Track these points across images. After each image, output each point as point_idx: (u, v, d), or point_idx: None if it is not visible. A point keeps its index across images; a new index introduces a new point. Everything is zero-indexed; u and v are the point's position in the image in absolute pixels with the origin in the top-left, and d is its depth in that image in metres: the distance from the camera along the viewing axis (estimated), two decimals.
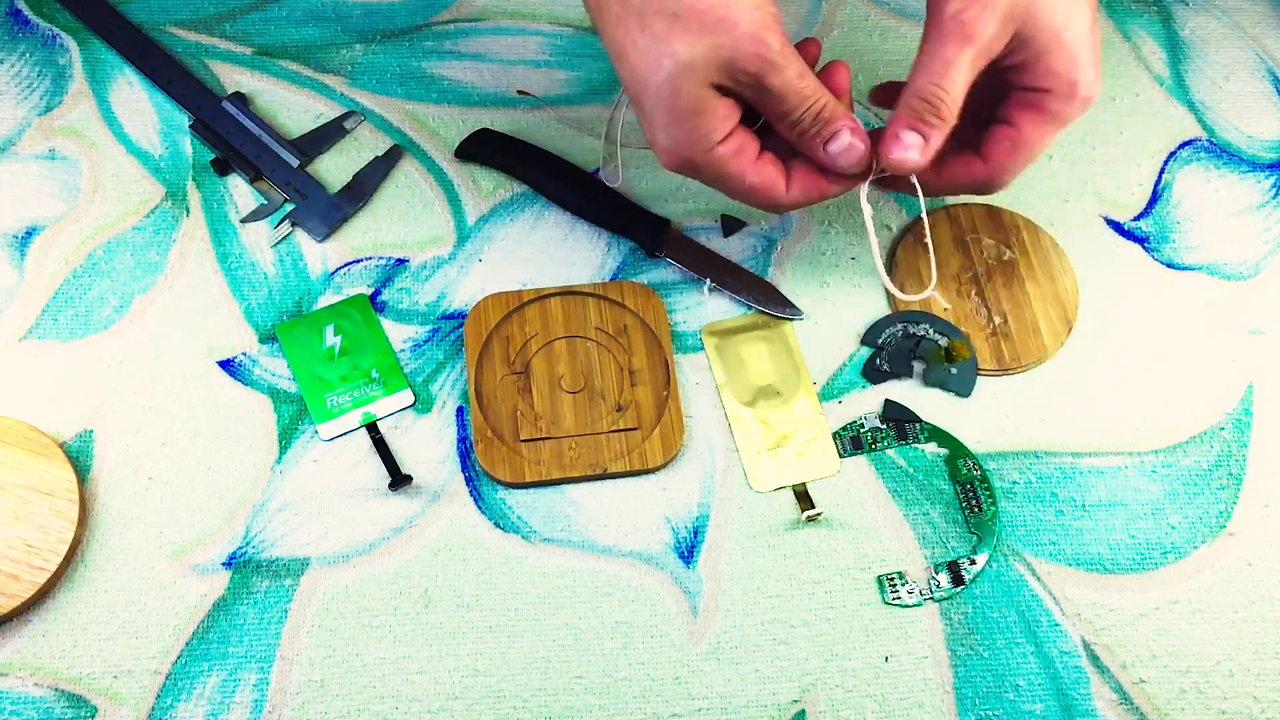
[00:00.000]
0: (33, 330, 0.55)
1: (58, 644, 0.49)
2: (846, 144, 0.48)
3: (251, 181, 0.59)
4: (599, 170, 0.61)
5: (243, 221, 0.58)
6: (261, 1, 0.66)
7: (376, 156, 0.60)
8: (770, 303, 0.57)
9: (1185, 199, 0.61)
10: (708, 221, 0.60)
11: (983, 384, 0.56)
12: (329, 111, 0.62)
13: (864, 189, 0.50)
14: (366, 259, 0.58)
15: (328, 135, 0.61)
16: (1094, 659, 0.50)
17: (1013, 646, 0.50)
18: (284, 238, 0.57)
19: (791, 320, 0.57)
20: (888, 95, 0.53)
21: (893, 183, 0.50)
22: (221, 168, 0.59)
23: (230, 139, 0.60)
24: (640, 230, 0.58)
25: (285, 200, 0.59)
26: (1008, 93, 0.49)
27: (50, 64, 0.63)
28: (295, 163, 0.59)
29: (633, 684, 0.49)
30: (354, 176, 0.59)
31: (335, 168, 0.60)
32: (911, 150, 0.47)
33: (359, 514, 0.52)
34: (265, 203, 0.59)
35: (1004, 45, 0.46)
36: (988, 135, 0.49)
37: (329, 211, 0.58)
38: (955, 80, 0.46)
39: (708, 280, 0.57)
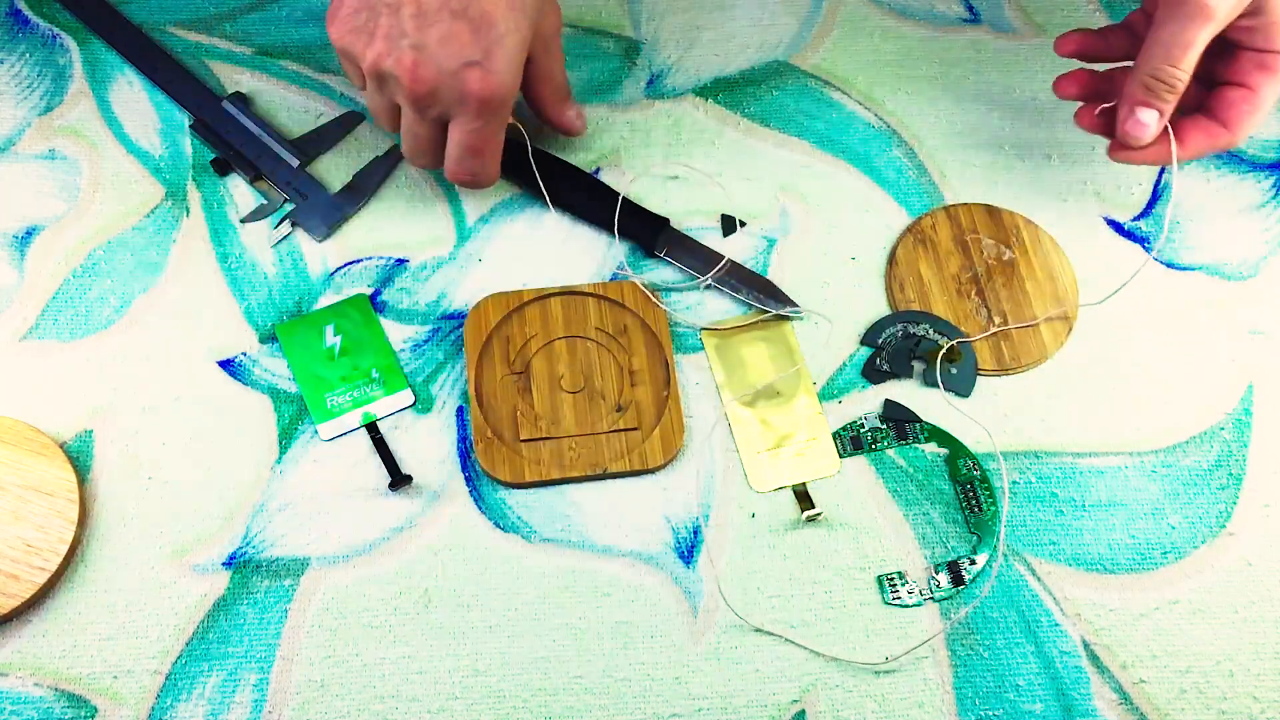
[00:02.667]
0: (33, 330, 0.55)
1: (58, 644, 0.49)
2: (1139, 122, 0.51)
3: (251, 181, 0.59)
4: (597, 172, 0.61)
5: (243, 221, 0.58)
6: (261, 1, 0.66)
7: (376, 156, 0.60)
8: (769, 300, 0.57)
9: (1185, 199, 0.61)
10: (708, 221, 0.60)
11: (983, 384, 0.56)
12: (329, 111, 0.62)
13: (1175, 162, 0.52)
14: (366, 259, 0.58)
15: (328, 135, 0.61)
16: (1094, 659, 0.50)
17: (1013, 646, 0.50)
18: (284, 238, 0.57)
19: (791, 318, 0.57)
20: (1084, 45, 0.56)
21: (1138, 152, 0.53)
22: (221, 168, 0.59)
23: (230, 139, 0.60)
24: (641, 230, 0.58)
25: (285, 200, 0.59)
26: (1234, 53, 0.50)
27: (50, 64, 0.63)
28: (295, 163, 0.59)
29: (633, 684, 0.49)
30: (354, 176, 0.59)
31: (335, 167, 0.60)
32: (1150, 127, 0.51)
33: (359, 514, 0.52)
34: (265, 202, 0.59)
35: (1241, 14, 0.48)
36: (1220, 97, 0.51)
37: (329, 211, 0.58)
38: (1192, 58, 0.48)
39: (708, 276, 0.57)
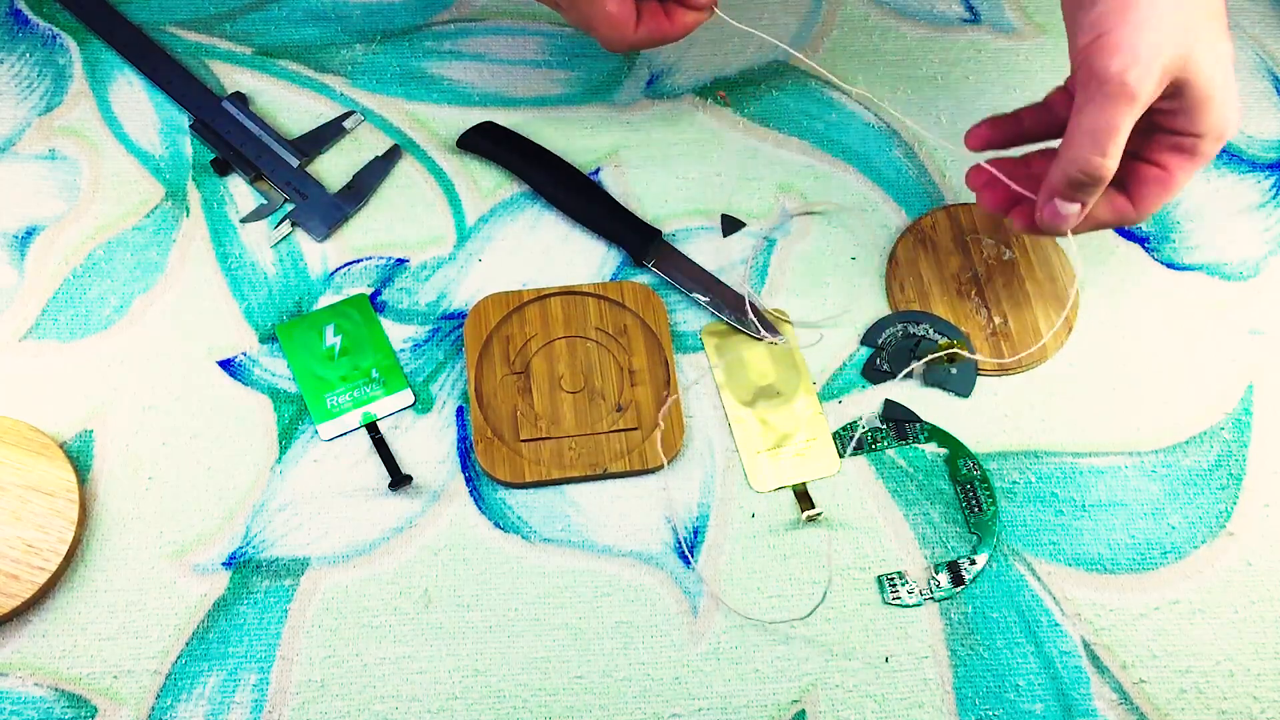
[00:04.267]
0: (33, 330, 0.55)
1: (58, 644, 0.49)
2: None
3: (252, 181, 0.59)
4: (597, 172, 0.61)
5: (243, 221, 0.58)
6: (261, 1, 0.66)
7: (376, 156, 0.60)
8: (750, 325, 0.56)
9: (1185, 199, 0.61)
10: (708, 221, 0.60)
11: (983, 384, 0.56)
12: (329, 111, 0.62)
13: (1071, 239, 0.51)
14: (366, 259, 0.58)
15: (327, 135, 0.61)
16: (1094, 659, 0.50)
17: (1013, 646, 0.50)
18: (284, 237, 0.57)
19: (774, 343, 0.56)
20: (994, 135, 0.53)
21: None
22: (221, 168, 0.59)
23: (230, 139, 0.60)
24: (630, 239, 0.58)
25: (285, 200, 0.59)
26: (1153, 134, 0.48)
27: (50, 64, 0.63)
28: (295, 162, 0.59)
29: (633, 684, 0.49)
30: (354, 176, 0.59)
31: (335, 168, 0.60)
32: (1071, 219, 0.48)
33: (359, 514, 0.52)
34: (265, 202, 0.59)
35: (1160, 96, 0.45)
36: (1134, 174, 0.49)
37: (329, 211, 0.58)
38: (1118, 145, 0.45)
39: (695, 295, 0.57)
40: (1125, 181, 0.49)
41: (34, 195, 0.59)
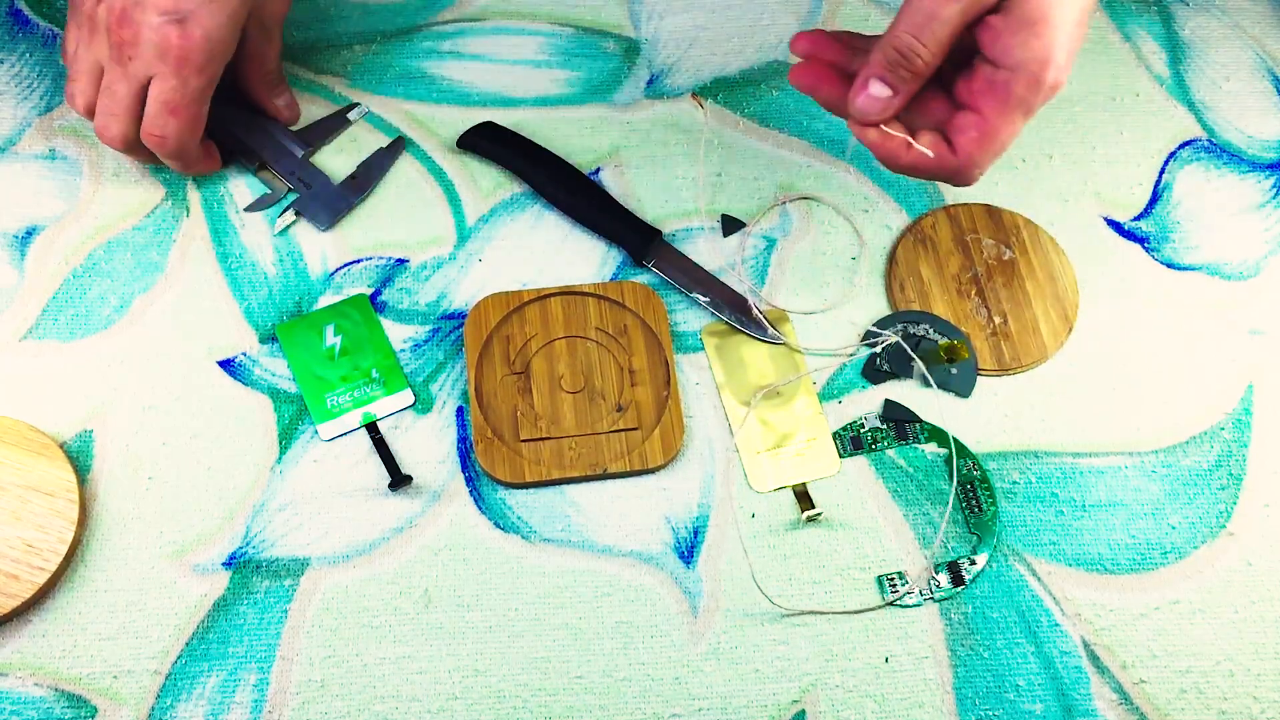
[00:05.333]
0: (33, 330, 0.55)
1: (58, 644, 0.49)
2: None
3: (256, 171, 0.59)
4: (598, 172, 0.61)
5: (246, 210, 0.58)
6: None
7: (381, 148, 0.60)
8: (750, 324, 0.56)
9: (1185, 199, 0.61)
10: (708, 221, 0.60)
11: (983, 384, 0.56)
12: (328, 112, 0.62)
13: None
14: (366, 259, 0.58)
15: (331, 126, 0.61)
16: (1094, 659, 0.50)
17: (1013, 646, 0.50)
18: (288, 226, 0.58)
19: (773, 343, 0.56)
20: (813, 44, 0.50)
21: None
22: (225, 157, 0.59)
23: (234, 129, 0.60)
24: (629, 239, 0.58)
25: (289, 190, 0.59)
26: (975, 66, 0.46)
27: (50, 64, 0.63)
28: (299, 152, 0.60)
29: (633, 684, 0.49)
30: (358, 167, 0.60)
31: (339, 159, 0.60)
32: (880, 103, 0.46)
33: (359, 514, 0.52)
34: (269, 192, 0.59)
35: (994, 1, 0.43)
36: (954, 123, 0.47)
37: (333, 201, 0.58)
38: (937, 34, 0.44)
39: (695, 295, 0.57)
40: (945, 128, 0.47)
41: (34, 195, 0.59)
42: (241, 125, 0.60)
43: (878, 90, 0.46)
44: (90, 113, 0.56)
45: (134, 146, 0.56)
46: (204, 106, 0.55)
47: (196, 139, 0.56)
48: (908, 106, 0.47)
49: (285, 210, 0.58)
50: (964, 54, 0.46)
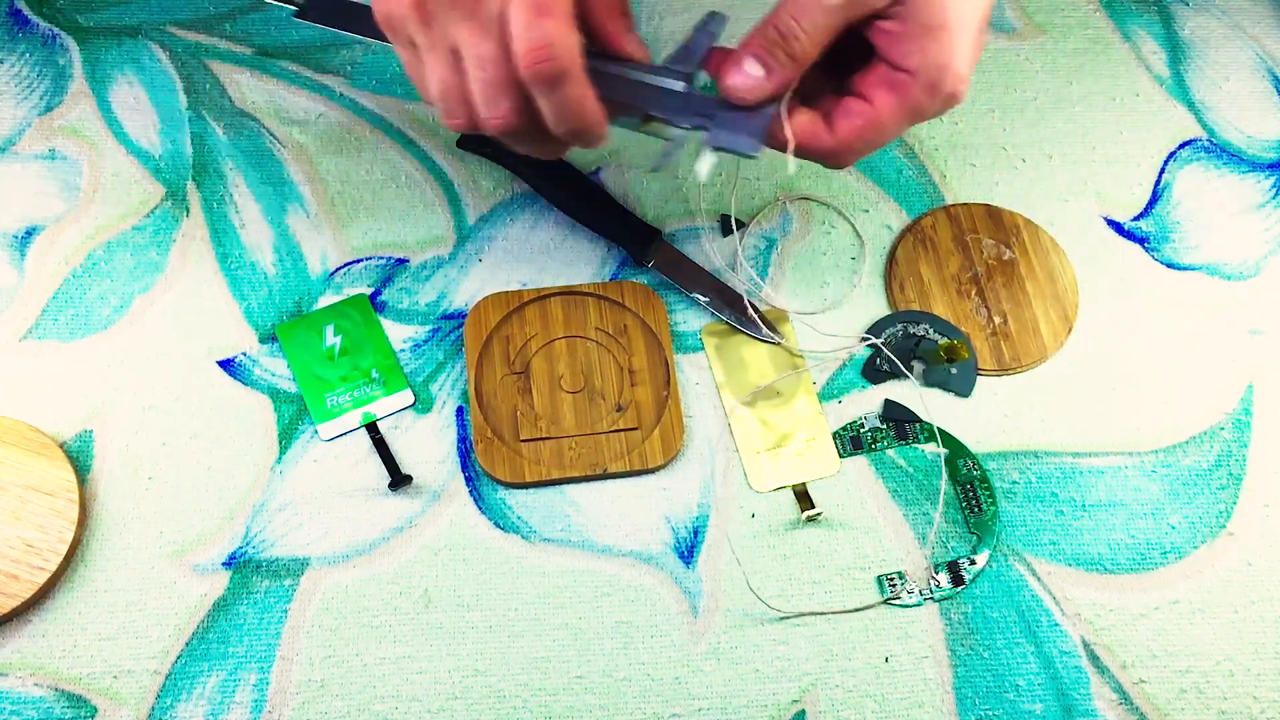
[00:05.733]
0: (33, 330, 0.55)
1: (58, 644, 0.49)
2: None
3: (640, 126, 0.49)
4: (598, 172, 0.61)
5: (652, 171, 0.51)
6: (261, 1, 0.66)
7: (696, 27, 0.49)
8: (750, 324, 0.56)
9: (1185, 199, 0.61)
10: (708, 221, 0.60)
11: (983, 384, 0.56)
12: (329, 112, 0.62)
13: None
14: (366, 259, 0.58)
15: (697, 46, 0.48)
16: (1094, 659, 0.50)
17: (1013, 646, 0.50)
18: (712, 169, 0.48)
19: (772, 343, 0.56)
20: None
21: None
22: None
23: (615, 95, 0.47)
24: (630, 240, 0.58)
25: (688, 130, 0.48)
26: (870, 61, 0.44)
27: (50, 64, 0.63)
28: (681, 86, 0.47)
29: (633, 684, 0.49)
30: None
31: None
32: (751, 78, 0.44)
33: (359, 514, 0.52)
34: (668, 142, 0.48)
35: (883, 3, 0.42)
36: (839, 105, 0.45)
37: (743, 121, 0.46)
38: (818, 22, 0.42)
39: (697, 295, 0.57)
40: (832, 111, 0.46)
41: (34, 195, 0.59)
42: (605, 80, 0.46)
43: (751, 68, 0.44)
44: (452, 110, 0.45)
45: (520, 111, 0.44)
46: (572, 7, 0.42)
47: (578, 55, 0.42)
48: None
49: (703, 155, 0.47)
50: (862, 52, 0.45)
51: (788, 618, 0.50)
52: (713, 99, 0.47)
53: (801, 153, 0.46)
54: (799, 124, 0.46)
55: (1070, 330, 0.57)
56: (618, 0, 0.46)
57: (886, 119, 0.44)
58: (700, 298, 0.57)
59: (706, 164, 0.47)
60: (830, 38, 0.43)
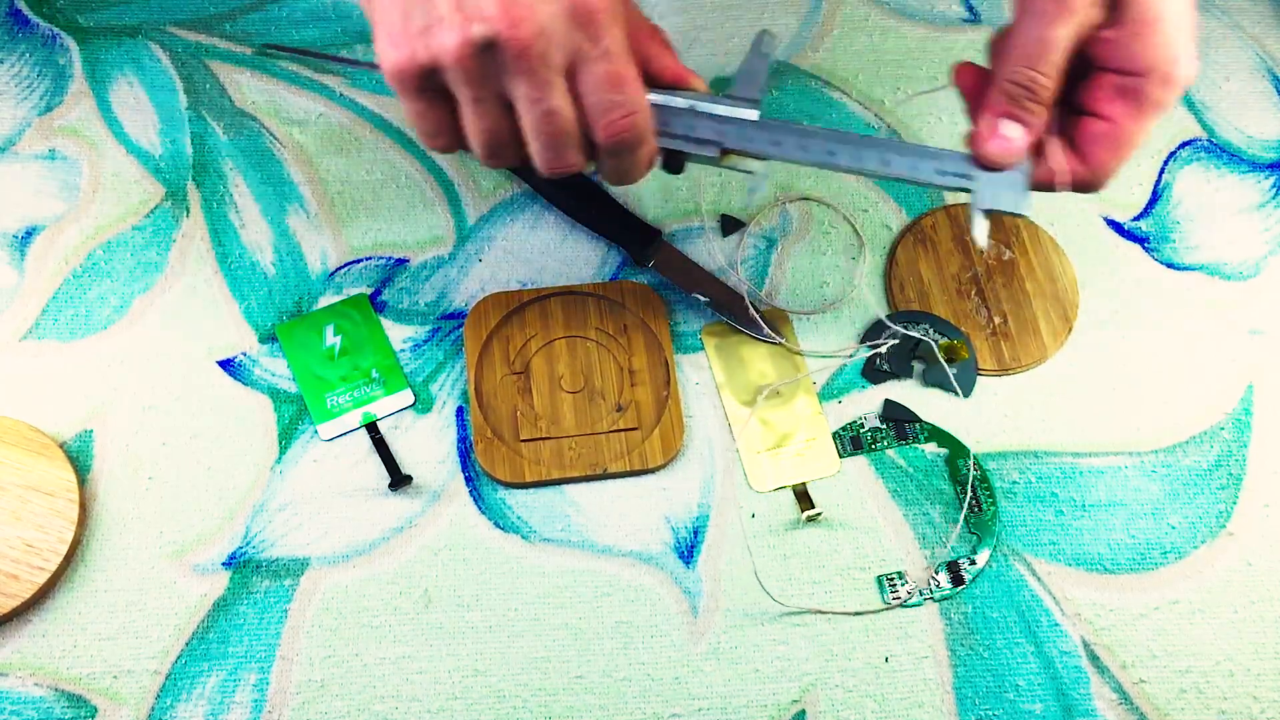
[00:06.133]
0: (33, 330, 0.55)
1: (58, 644, 0.49)
2: None
3: (719, 160, 0.46)
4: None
5: (746, 209, 0.50)
6: (261, 1, 0.66)
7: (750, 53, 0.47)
8: (750, 324, 0.56)
9: (1185, 199, 0.61)
10: (708, 221, 0.60)
11: (983, 384, 0.56)
12: (329, 112, 0.62)
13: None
14: (366, 259, 0.58)
15: (754, 70, 0.46)
16: (1094, 659, 0.50)
17: (1013, 646, 0.50)
18: (986, 230, 0.45)
19: (772, 343, 0.56)
20: (974, 78, 0.47)
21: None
22: (675, 166, 0.47)
23: (697, 133, 0.46)
24: (631, 240, 0.58)
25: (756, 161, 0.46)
26: (1093, 74, 0.44)
27: (50, 64, 0.63)
28: (753, 114, 0.46)
29: (633, 684, 0.49)
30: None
31: None
32: (1014, 141, 0.44)
33: (359, 514, 0.52)
34: (751, 174, 0.47)
35: (1102, 15, 0.42)
36: (1080, 130, 0.44)
37: (1006, 178, 0.45)
38: (1053, 61, 0.42)
39: (697, 295, 0.57)
40: (1073, 138, 0.45)
41: (34, 195, 0.59)
42: (675, 116, 0.45)
43: (1010, 131, 0.44)
44: (500, 153, 0.43)
45: (585, 161, 0.44)
46: (633, 60, 0.42)
47: (650, 119, 0.43)
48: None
49: (976, 221, 0.45)
50: (1075, 66, 0.44)
51: (789, 613, 0.50)
52: (951, 153, 0.46)
53: (1060, 184, 0.46)
54: (1055, 163, 0.45)
55: (1070, 330, 0.57)
56: (653, 29, 0.45)
57: (1131, 130, 0.43)
58: (700, 298, 0.57)
59: (982, 230, 0.46)
60: (1066, 68, 0.43)
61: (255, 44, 0.64)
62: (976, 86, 0.46)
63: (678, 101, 0.45)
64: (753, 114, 0.46)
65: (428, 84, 0.40)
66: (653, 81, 0.45)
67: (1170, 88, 0.43)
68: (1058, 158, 0.45)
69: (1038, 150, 0.45)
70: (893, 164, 0.46)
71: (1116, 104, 0.43)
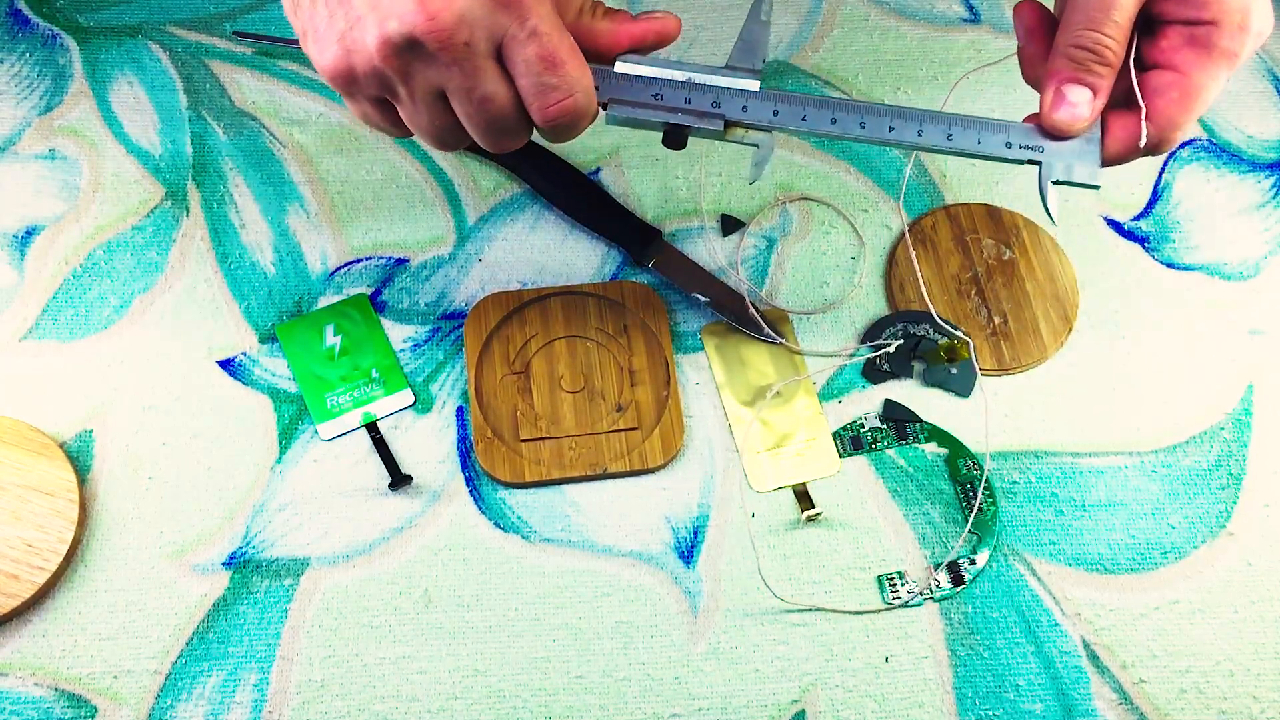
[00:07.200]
0: (33, 330, 0.55)
1: (58, 644, 0.49)
2: None
3: (723, 134, 0.45)
4: (598, 172, 0.61)
5: (752, 183, 0.50)
6: (261, 1, 0.66)
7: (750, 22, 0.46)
8: (750, 324, 0.56)
9: (1185, 199, 0.61)
10: (708, 221, 0.60)
11: (983, 384, 0.56)
12: (329, 112, 0.62)
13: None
14: (366, 259, 0.58)
15: (753, 38, 0.45)
16: (1094, 659, 0.50)
17: (1013, 646, 0.50)
18: (1058, 203, 0.44)
19: (772, 343, 0.56)
20: (1036, 18, 0.45)
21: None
22: (676, 139, 0.45)
23: (705, 106, 0.45)
24: (629, 239, 0.58)
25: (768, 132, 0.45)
26: (1160, 28, 0.41)
27: (50, 64, 0.63)
28: (754, 85, 0.45)
29: (633, 684, 0.49)
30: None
31: None
32: (1081, 106, 0.42)
33: (359, 514, 0.52)
34: (756, 148, 0.46)
35: None
36: (1146, 84, 0.42)
37: (1076, 148, 0.44)
38: (1118, 21, 0.40)
39: (697, 295, 0.57)
40: (1140, 91, 0.43)
41: (34, 195, 0.59)
42: (681, 90, 0.44)
43: (1078, 96, 0.42)
44: (448, 142, 0.43)
45: (527, 138, 0.44)
46: (568, 36, 0.41)
47: (594, 94, 0.42)
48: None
49: (1049, 194, 0.44)
50: (1140, 25, 0.42)
51: (789, 612, 0.50)
52: (1017, 125, 0.44)
53: (1121, 154, 0.44)
54: (1121, 126, 0.43)
55: (1070, 330, 0.57)
56: (595, 5, 0.44)
57: (1203, 79, 0.41)
58: (700, 298, 0.57)
59: (1055, 203, 0.45)
60: (1131, 28, 0.41)
61: (255, 44, 0.64)
62: (1038, 27, 0.44)
63: (675, 75, 0.44)
64: (753, 84, 0.45)
65: (364, 84, 0.40)
66: (608, 54, 0.44)
67: (1243, 36, 0.40)
68: (1119, 120, 0.43)
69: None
70: (956, 139, 0.44)
71: (1184, 52, 0.41)
